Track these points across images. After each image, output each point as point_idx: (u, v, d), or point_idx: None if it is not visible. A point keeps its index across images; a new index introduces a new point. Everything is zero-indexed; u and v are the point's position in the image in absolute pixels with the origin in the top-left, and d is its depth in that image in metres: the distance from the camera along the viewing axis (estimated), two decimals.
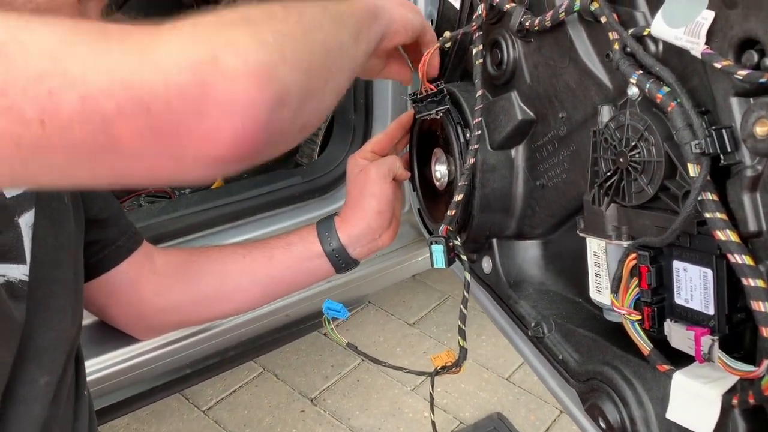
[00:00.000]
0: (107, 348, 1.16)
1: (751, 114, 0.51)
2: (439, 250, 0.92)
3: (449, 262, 0.92)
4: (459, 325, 0.89)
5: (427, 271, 2.02)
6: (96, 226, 0.91)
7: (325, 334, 2.20)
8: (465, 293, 0.90)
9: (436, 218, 1.06)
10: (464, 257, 0.92)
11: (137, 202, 1.63)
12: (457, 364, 0.91)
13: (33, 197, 0.73)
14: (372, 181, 0.98)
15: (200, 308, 1.03)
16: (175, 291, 0.99)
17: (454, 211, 0.90)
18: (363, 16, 0.69)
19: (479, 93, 0.89)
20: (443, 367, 0.92)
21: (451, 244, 0.92)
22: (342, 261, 1.01)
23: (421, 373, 0.97)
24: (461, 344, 0.90)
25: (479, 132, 0.88)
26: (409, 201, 1.47)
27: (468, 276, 0.91)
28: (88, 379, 1.13)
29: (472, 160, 0.88)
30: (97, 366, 1.16)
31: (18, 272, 0.70)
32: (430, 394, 0.95)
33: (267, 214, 1.38)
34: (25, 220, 0.72)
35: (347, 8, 0.65)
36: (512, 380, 2.02)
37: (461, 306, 0.89)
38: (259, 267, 1.00)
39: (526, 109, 0.89)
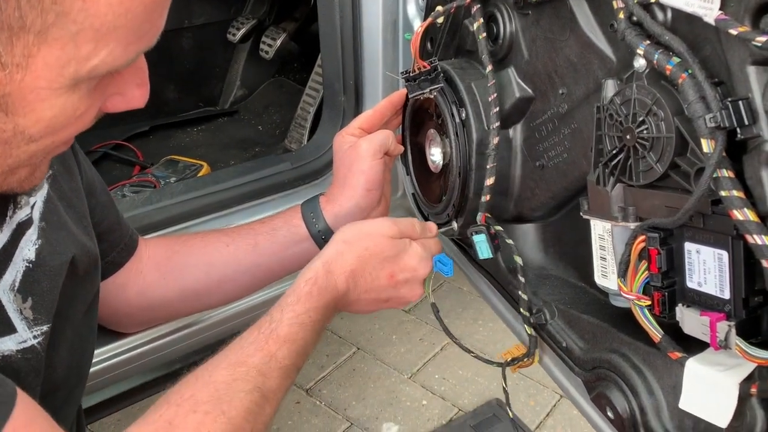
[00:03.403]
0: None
1: None
2: (482, 240, 0.86)
3: (495, 249, 0.87)
4: (522, 313, 0.86)
5: None
6: None
7: None
8: (521, 278, 0.86)
9: (431, 202, 1.02)
10: (510, 241, 0.87)
11: (121, 192, 1.59)
12: (529, 355, 0.88)
13: (11, 250, 0.67)
14: (362, 157, 0.93)
15: (187, 302, 0.99)
16: (161, 288, 0.95)
17: (488, 197, 0.86)
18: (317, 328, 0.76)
19: (489, 68, 0.84)
20: (514, 359, 0.89)
21: (492, 231, 0.87)
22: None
23: (491, 362, 0.94)
24: (529, 333, 0.86)
25: (497, 108, 0.84)
26: (403, 185, 1.44)
27: (519, 260, 0.86)
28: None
29: (496, 140, 0.84)
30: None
31: (12, 344, 0.65)
32: (504, 388, 0.91)
33: (255, 202, 1.34)
34: (4, 284, 0.66)
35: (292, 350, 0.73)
36: None
37: (520, 292, 0.86)
38: (244, 256, 0.95)
39: (524, 85, 0.86)
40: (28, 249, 0.68)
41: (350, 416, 1.84)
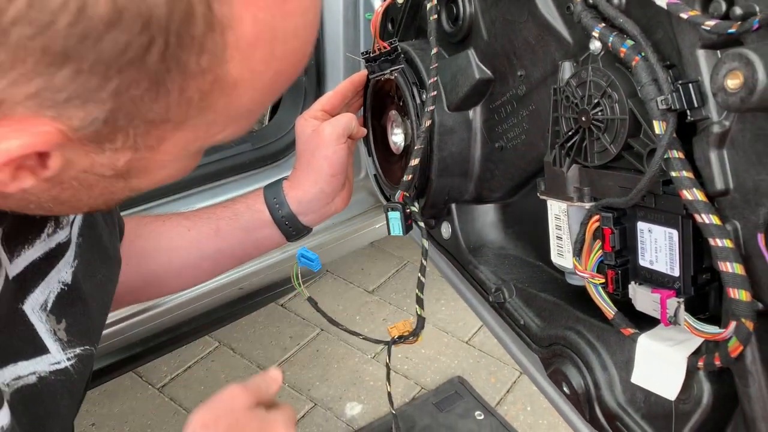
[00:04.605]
0: None
1: (721, 66, 0.49)
2: (395, 217, 0.88)
3: (407, 229, 0.89)
4: (417, 294, 0.86)
5: (385, 238, 1.99)
6: None
7: (282, 305, 2.16)
8: (423, 261, 0.86)
9: (393, 183, 1.02)
10: (422, 224, 0.88)
11: None
12: (415, 334, 0.89)
13: (45, 268, 0.65)
14: (325, 142, 0.91)
15: (150, 287, 0.98)
16: (124, 273, 0.94)
17: (410, 176, 0.87)
18: None
19: (434, 51, 0.85)
20: (401, 337, 0.90)
21: (408, 210, 0.88)
22: (293, 229, 0.95)
23: (378, 342, 0.94)
24: (419, 313, 0.87)
25: (435, 92, 0.84)
26: (365, 167, 1.44)
27: (426, 243, 0.87)
28: None
29: (428, 123, 0.84)
30: None
31: (44, 365, 0.63)
32: (387, 365, 0.92)
33: (215, 184, 1.32)
34: (34, 302, 0.64)
35: None
36: (472, 343, 2.03)
37: (419, 274, 0.86)
38: (205, 241, 0.94)
39: (484, 67, 0.86)
40: (65, 271, 0.67)
41: (314, 397, 1.85)
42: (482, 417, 1.76)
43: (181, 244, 0.94)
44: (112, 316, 1.16)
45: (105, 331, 1.18)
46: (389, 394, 0.95)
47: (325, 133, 0.91)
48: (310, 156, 0.93)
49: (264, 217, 0.94)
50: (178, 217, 0.97)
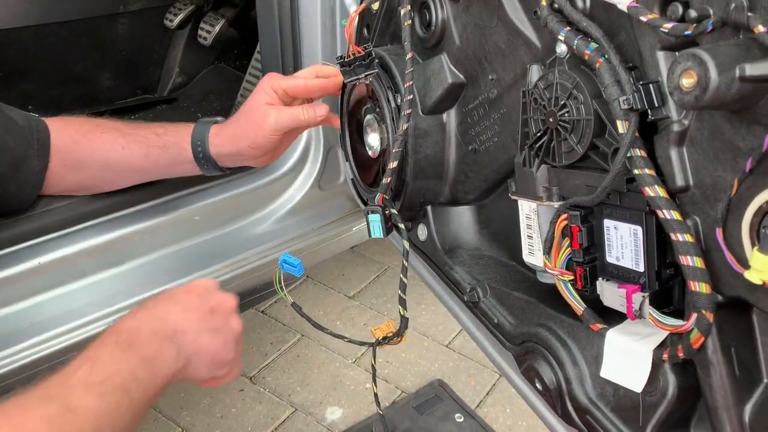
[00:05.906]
0: (24, 336, 1.10)
1: (676, 66, 0.51)
2: (376, 220, 0.89)
3: (387, 231, 0.90)
4: (399, 294, 0.88)
5: (365, 243, 2.00)
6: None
7: (263, 311, 2.16)
8: (404, 262, 0.88)
9: (370, 187, 1.04)
10: (402, 225, 0.90)
11: None
12: (399, 334, 0.90)
13: None
14: (263, 126, 0.98)
15: (87, 189, 1.13)
16: (66, 180, 1.09)
17: (389, 179, 0.88)
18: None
19: (409, 56, 0.86)
20: (385, 338, 0.91)
21: (387, 212, 0.90)
22: (211, 169, 1.07)
23: (362, 344, 0.95)
24: (402, 313, 0.88)
25: (411, 96, 0.86)
26: (344, 172, 1.45)
27: (407, 244, 0.89)
28: (9, 368, 1.09)
29: (405, 126, 0.86)
30: (19, 355, 1.10)
31: None
32: (372, 365, 0.93)
33: (195, 189, 1.31)
34: None
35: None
36: (452, 347, 2.04)
37: (401, 275, 0.87)
38: (136, 161, 1.07)
39: (456, 71, 0.88)
40: None
41: (294, 402, 1.84)
42: (462, 419, 1.77)
43: (115, 159, 1.08)
44: (87, 321, 1.16)
45: (82, 336, 1.18)
46: (375, 395, 0.96)
47: (269, 120, 0.99)
48: (245, 123, 1.02)
49: (187, 156, 1.06)
50: (114, 134, 1.09)
